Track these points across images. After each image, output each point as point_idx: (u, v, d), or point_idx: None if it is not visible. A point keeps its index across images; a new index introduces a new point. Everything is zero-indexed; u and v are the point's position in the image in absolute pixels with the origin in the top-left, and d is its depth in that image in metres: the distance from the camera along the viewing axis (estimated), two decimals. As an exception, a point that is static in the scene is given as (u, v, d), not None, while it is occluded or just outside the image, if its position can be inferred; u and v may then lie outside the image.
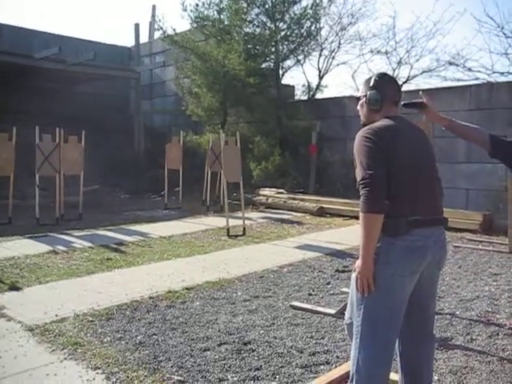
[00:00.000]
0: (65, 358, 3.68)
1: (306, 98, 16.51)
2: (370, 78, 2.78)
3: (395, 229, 2.49)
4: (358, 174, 2.51)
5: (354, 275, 2.62)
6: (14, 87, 15.22)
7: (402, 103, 3.08)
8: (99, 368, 3.51)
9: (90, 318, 4.54)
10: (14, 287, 5.48)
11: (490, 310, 4.88)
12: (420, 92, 3.20)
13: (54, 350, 3.82)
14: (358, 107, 2.84)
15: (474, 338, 4.15)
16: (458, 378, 3.44)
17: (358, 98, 2.83)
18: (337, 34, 16.72)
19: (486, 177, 10.79)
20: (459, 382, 3.38)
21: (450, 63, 15.58)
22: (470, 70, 15.27)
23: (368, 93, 2.73)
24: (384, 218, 2.46)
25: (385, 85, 2.74)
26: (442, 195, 2.74)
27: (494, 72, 14.96)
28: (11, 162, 9.65)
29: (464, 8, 23.03)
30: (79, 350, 3.81)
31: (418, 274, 2.57)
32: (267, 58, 15.70)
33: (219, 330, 4.26)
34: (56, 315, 4.60)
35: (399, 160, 2.53)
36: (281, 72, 15.84)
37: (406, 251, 2.49)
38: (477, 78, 14.92)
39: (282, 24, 15.05)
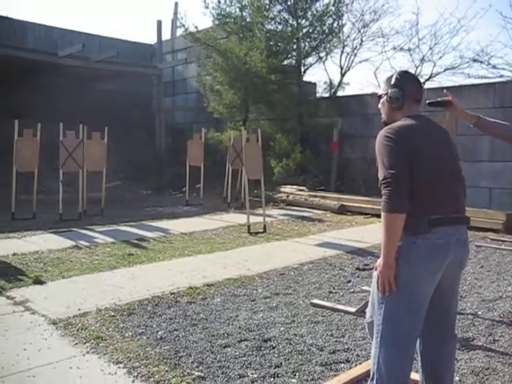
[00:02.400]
0: (87, 352, 3.73)
1: (327, 95, 16.46)
2: (391, 76, 2.76)
3: (417, 227, 2.48)
4: (380, 173, 2.51)
5: (375, 273, 2.61)
6: (37, 84, 15.41)
7: (427, 102, 3.08)
8: (121, 362, 3.55)
9: (112, 313, 4.59)
10: (38, 281, 5.56)
11: (513, 310, 4.83)
12: (444, 90, 3.16)
13: (76, 344, 3.87)
14: (380, 105, 2.83)
15: (497, 338, 4.11)
16: (480, 379, 3.41)
17: (380, 96, 2.82)
18: (359, 31, 16.63)
19: (510, 175, 10.65)
20: (481, 383, 3.35)
21: (474, 60, 15.40)
22: (494, 67, 15.07)
23: (389, 91, 2.71)
24: (406, 217, 2.44)
25: (406, 83, 2.71)
26: (465, 194, 2.71)
27: (520, 69, 14.75)
28: (35, 157, 9.79)
29: (489, 4, 22.76)
30: (101, 344, 3.86)
31: (440, 274, 2.55)
32: (289, 55, 15.67)
33: (239, 327, 4.28)
34: (79, 309, 4.66)
35: (420, 159, 2.51)
36: (302, 69, 15.80)
37: (428, 250, 2.48)
38: (501, 76, 14.73)
39: (304, 21, 15.00)
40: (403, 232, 2.46)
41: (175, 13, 20.50)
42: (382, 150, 2.53)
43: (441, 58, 17.94)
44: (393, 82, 2.72)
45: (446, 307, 2.71)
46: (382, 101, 2.80)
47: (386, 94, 2.74)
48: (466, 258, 2.71)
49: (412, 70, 16.13)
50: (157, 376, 3.36)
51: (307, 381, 3.35)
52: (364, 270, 6.37)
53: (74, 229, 8.87)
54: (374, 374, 2.58)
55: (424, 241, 2.48)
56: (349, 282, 5.84)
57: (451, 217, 2.56)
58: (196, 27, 14.90)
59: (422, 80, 16.81)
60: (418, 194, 2.49)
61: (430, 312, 2.62)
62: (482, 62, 15.32)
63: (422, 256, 2.48)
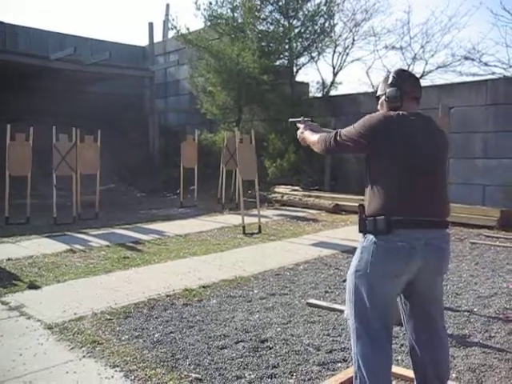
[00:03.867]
0: (83, 356, 3.71)
1: (320, 95, 16.47)
2: (388, 76, 2.75)
3: (376, 227, 2.50)
4: (346, 129, 2.71)
5: (348, 272, 2.66)
6: (29, 88, 15.35)
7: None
8: (117, 366, 3.54)
9: (108, 317, 4.58)
10: (33, 286, 5.54)
11: (508, 306, 4.84)
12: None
13: (72, 348, 3.86)
14: (379, 106, 2.82)
15: (493, 335, 4.12)
16: (477, 375, 3.42)
17: (378, 97, 2.81)
18: (351, 31, 16.67)
19: (504, 172, 10.69)
20: (478, 380, 3.36)
21: (466, 58, 15.47)
22: (486, 64, 15.14)
23: (387, 90, 2.70)
24: (369, 215, 2.54)
25: (404, 81, 2.70)
26: (445, 198, 2.66)
27: (511, 66, 14.82)
28: (28, 161, 9.75)
29: (480, 1, 22.81)
30: (98, 348, 3.84)
31: (407, 277, 2.54)
32: (281, 56, 15.68)
33: (236, 328, 4.28)
34: (74, 313, 4.65)
35: (397, 156, 2.51)
36: (295, 69, 15.82)
37: (386, 251, 2.48)
38: (493, 73, 14.81)
39: (295, 21, 15.02)
40: (365, 227, 2.56)
41: (167, 14, 20.49)
42: (360, 121, 2.66)
43: (432, 56, 18.05)
44: (390, 82, 2.70)
45: (428, 312, 2.68)
46: (380, 102, 2.79)
47: (384, 93, 2.72)
48: (444, 264, 2.65)
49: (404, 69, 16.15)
50: (154, 379, 3.35)
51: (304, 381, 3.35)
52: (359, 268, 6.37)
53: (69, 233, 8.84)
54: (355, 372, 2.61)
55: (384, 242, 2.48)
56: (344, 281, 5.79)
57: (420, 219, 2.49)
58: (188, 29, 14.89)
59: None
60: (385, 192, 2.51)
61: (411, 315, 2.68)
62: (473, 60, 15.39)
63: (381, 257, 2.49)
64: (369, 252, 2.52)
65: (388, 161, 2.52)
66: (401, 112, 2.61)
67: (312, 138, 3.00)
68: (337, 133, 2.75)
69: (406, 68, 16.18)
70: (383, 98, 2.74)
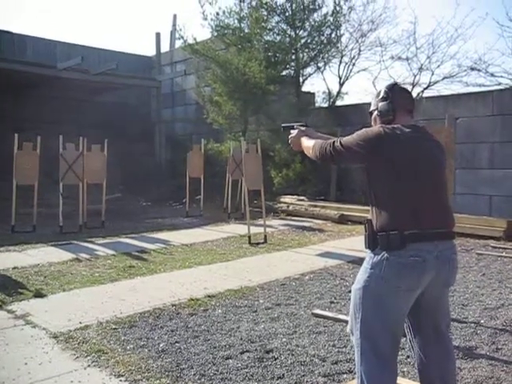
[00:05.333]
0: (88, 365, 3.71)
1: (326, 105, 16.49)
2: (379, 91, 2.75)
3: (389, 243, 2.45)
4: (344, 138, 2.65)
5: (353, 287, 2.65)
6: (37, 97, 15.46)
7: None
8: (122, 375, 3.54)
9: (113, 326, 4.58)
10: (39, 294, 5.55)
11: (515, 318, 4.80)
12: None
13: (77, 357, 3.86)
14: (372, 122, 2.80)
15: (500, 347, 4.09)
16: (484, 387, 3.39)
17: (371, 113, 2.79)
18: (357, 41, 16.70)
19: (511, 183, 10.65)
20: (485, 392, 3.34)
21: (472, 68, 15.44)
22: (492, 75, 15.11)
23: (379, 105, 2.70)
24: (380, 231, 2.49)
25: (395, 95, 2.68)
26: (450, 209, 2.64)
27: (517, 77, 14.79)
28: (35, 171, 9.80)
29: (486, 12, 22.87)
30: (103, 358, 3.84)
31: (419, 291, 2.51)
32: (287, 66, 15.72)
33: (241, 338, 4.26)
34: (80, 322, 4.65)
35: (398, 168, 2.49)
36: (301, 79, 15.87)
37: (400, 267, 2.43)
38: (499, 84, 14.76)
39: (302, 31, 15.08)
40: (377, 246, 2.49)
41: (174, 25, 20.60)
42: (360, 133, 2.60)
43: (439, 66, 18.00)
44: (382, 96, 2.70)
45: (435, 323, 2.65)
46: (373, 117, 2.78)
47: (376, 108, 2.72)
48: (453, 276, 2.64)
49: (410, 79, 16.21)
50: (159, 389, 3.34)
51: (310, 392, 3.33)
52: (365, 279, 6.35)
53: (75, 241, 8.86)
54: None
55: (397, 257, 2.43)
56: (350, 291, 5.79)
57: (429, 232, 2.46)
58: (195, 39, 14.95)
59: (420, 89, 16.88)
60: (395, 206, 2.48)
61: (418, 327, 2.65)
62: (479, 71, 15.36)
63: (395, 273, 2.44)
64: (381, 268, 2.47)
65: (392, 175, 2.50)
66: (396, 125, 2.58)
67: (307, 143, 2.94)
68: (335, 140, 2.69)
69: (411, 79, 16.24)
70: (376, 112, 2.73)
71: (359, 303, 2.56)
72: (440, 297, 2.65)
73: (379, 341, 2.50)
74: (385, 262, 2.45)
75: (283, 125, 3.29)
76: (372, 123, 2.80)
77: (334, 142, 2.68)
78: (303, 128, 3.11)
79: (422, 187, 2.50)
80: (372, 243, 2.54)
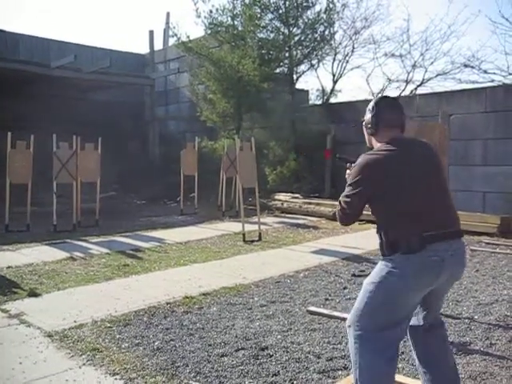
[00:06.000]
0: (83, 364, 3.70)
1: (320, 102, 16.51)
2: (370, 103, 2.84)
3: (409, 246, 2.52)
4: (345, 190, 2.73)
5: (365, 281, 2.69)
6: (30, 95, 15.40)
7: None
8: (117, 374, 3.53)
9: (108, 324, 4.57)
10: (33, 293, 5.53)
11: (509, 314, 4.83)
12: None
13: (72, 356, 3.85)
14: (365, 133, 2.92)
15: (494, 342, 4.11)
16: (478, 383, 3.41)
17: (362, 122, 2.89)
18: (350, 38, 16.71)
19: (504, 179, 10.70)
20: (479, 387, 3.36)
21: (465, 65, 15.48)
22: (485, 72, 15.15)
23: (366, 117, 2.81)
24: (397, 235, 2.57)
25: (381, 109, 2.77)
26: (454, 208, 2.75)
27: (510, 74, 14.83)
28: (29, 169, 9.76)
29: (478, 9, 22.93)
30: (98, 356, 3.84)
31: (434, 286, 2.61)
32: (281, 63, 15.72)
33: (236, 336, 4.27)
34: (74, 321, 4.64)
35: (400, 182, 2.58)
36: (295, 77, 15.87)
37: (422, 267, 2.52)
38: (492, 80, 14.80)
39: (295, 29, 15.08)
40: (396, 250, 2.56)
41: (167, 22, 20.56)
42: (353, 174, 2.71)
43: (432, 63, 18.01)
44: (368, 108, 2.81)
45: (437, 314, 2.87)
46: (363, 127, 2.89)
47: (363, 120, 2.84)
48: (461, 271, 2.77)
49: (404, 76, 16.24)
50: (154, 387, 3.35)
51: (305, 389, 3.34)
52: (360, 276, 6.37)
53: (69, 240, 8.84)
54: (356, 380, 2.61)
55: (418, 258, 2.51)
56: (345, 288, 5.84)
57: (444, 232, 2.59)
58: (188, 36, 14.92)
59: (413, 86, 16.90)
60: (407, 213, 2.58)
61: (424, 318, 2.79)
62: (473, 67, 15.40)
63: (415, 272, 2.52)
64: (401, 268, 2.54)
65: (400, 192, 2.58)
66: (380, 146, 2.73)
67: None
68: (339, 203, 2.78)
69: (405, 76, 16.28)
70: (364, 124, 2.86)
71: (369, 297, 2.61)
72: (448, 287, 2.81)
73: (388, 335, 2.56)
74: (406, 262, 2.53)
75: (338, 155, 3.38)
76: (365, 133, 2.93)
77: (340, 203, 2.78)
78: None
79: (422, 193, 2.60)
80: (390, 250, 2.60)
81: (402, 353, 3.83)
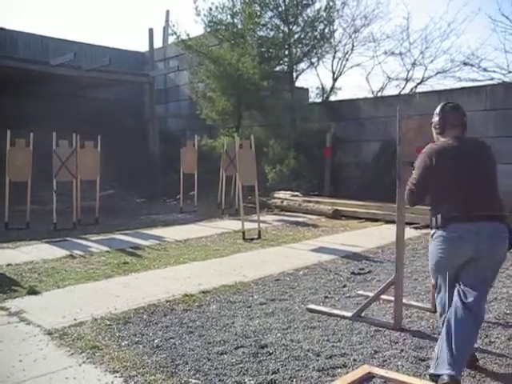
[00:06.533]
0: (83, 362, 3.71)
1: (320, 100, 16.53)
2: (436, 108, 3.66)
3: (436, 223, 3.45)
4: (412, 176, 3.62)
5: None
6: (29, 93, 15.38)
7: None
8: (117, 371, 3.54)
9: (108, 322, 4.58)
10: (33, 291, 5.53)
11: (508, 312, 4.84)
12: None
13: (72, 354, 3.86)
14: (433, 131, 3.70)
15: (493, 340, 4.12)
16: (477, 381, 3.41)
17: (431, 124, 3.70)
18: (350, 36, 16.76)
19: (503, 179, 10.67)
20: (478, 385, 3.36)
21: (465, 63, 15.53)
22: (485, 70, 15.20)
23: (434, 120, 3.64)
24: (433, 213, 3.47)
25: (445, 112, 3.59)
26: (495, 197, 3.45)
27: (510, 72, 14.86)
28: (28, 167, 9.77)
29: (478, 8, 22.98)
30: (97, 354, 3.84)
31: (463, 258, 3.36)
32: (281, 61, 15.71)
33: (236, 334, 4.28)
34: (74, 319, 4.64)
35: (446, 170, 3.40)
36: (294, 75, 15.86)
37: (442, 240, 3.41)
38: (492, 78, 14.86)
39: (295, 27, 15.06)
40: (432, 225, 3.49)
41: (167, 20, 20.53)
42: (417, 163, 3.58)
43: (432, 61, 18.11)
44: (436, 113, 3.63)
45: (482, 277, 3.43)
46: (432, 127, 3.69)
47: (432, 122, 3.65)
48: (496, 251, 3.38)
49: (403, 74, 16.27)
50: (154, 385, 3.35)
51: (304, 386, 3.35)
52: (359, 274, 6.38)
53: (69, 238, 8.84)
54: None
55: (441, 232, 3.42)
56: (344, 286, 5.85)
57: (469, 215, 3.30)
58: (188, 35, 14.89)
59: (413, 84, 16.91)
60: (440, 196, 3.46)
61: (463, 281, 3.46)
62: (472, 66, 15.45)
63: (439, 242, 3.43)
64: (434, 239, 3.49)
65: (441, 176, 3.42)
66: (443, 139, 3.55)
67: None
68: (408, 184, 3.65)
69: (405, 74, 16.30)
70: (432, 125, 3.68)
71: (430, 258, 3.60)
72: (489, 265, 3.41)
73: (439, 281, 3.58)
74: (435, 234, 3.47)
75: (405, 160, 4.05)
76: (433, 132, 3.71)
77: (408, 184, 3.65)
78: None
79: (462, 181, 3.38)
80: (431, 225, 3.52)
81: (402, 350, 3.85)
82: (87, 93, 17.41)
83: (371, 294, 4.90)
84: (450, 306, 3.45)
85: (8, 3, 35.47)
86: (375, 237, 9.04)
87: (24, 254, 7.60)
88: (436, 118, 3.61)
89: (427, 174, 3.46)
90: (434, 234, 3.51)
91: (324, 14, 14.91)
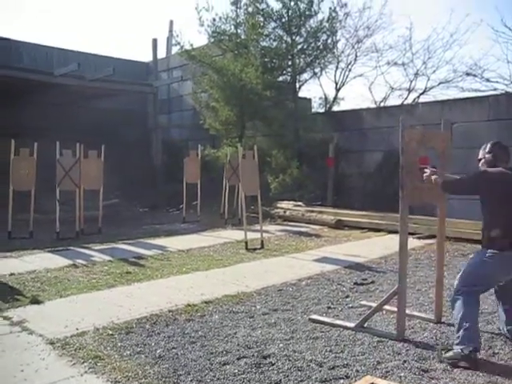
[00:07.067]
0: (85, 372, 3.70)
1: (322, 110, 16.55)
2: (486, 145, 4.15)
3: (501, 245, 3.87)
4: (466, 177, 4.14)
5: (472, 259, 4.18)
6: (34, 103, 15.47)
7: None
8: (119, 382, 3.53)
9: (110, 332, 4.57)
10: (35, 301, 5.53)
11: None
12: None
13: (74, 364, 3.85)
14: (480, 165, 4.16)
15: (497, 351, 4.10)
16: (481, 392, 3.39)
17: (479, 160, 4.18)
18: (353, 47, 16.80)
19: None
20: (481, 397, 3.33)
21: (468, 74, 15.55)
22: (487, 80, 15.21)
23: (486, 156, 4.10)
24: (495, 237, 3.92)
25: (496, 150, 4.08)
26: None
27: (513, 82, 14.87)
28: (32, 176, 9.80)
29: (480, 19, 22.96)
30: (99, 364, 3.83)
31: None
32: (284, 72, 15.76)
33: (238, 344, 4.26)
34: (76, 329, 4.64)
35: (504, 196, 3.87)
36: (297, 85, 15.91)
37: (506, 260, 3.92)
38: (495, 89, 14.86)
39: (298, 37, 15.12)
40: (489, 246, 3.94)
41: (170, 31, 20.63)
42: (472, 173, 4.08)
43: (434, 71, 18.09)
44: (487, 150, 4.10)
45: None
46: (480, 163, 4.15)
47: (484, 157, 4.11)
48: None
49: (406, 85, 16.30)
50: (155, 395, 3.34)
51: (307, 397, 3.33)
52: (362, 284, 6.36)
53: (72, 247, 8.85)
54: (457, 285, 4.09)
55: (507, 253, 3.86)
56: (347, 297, 5.83)
57: None
58: (191, 45, 14.98)
59: (416, 94, 16.93)
60: (504, 219, 3.87)
61: (504, 290, 4.29)
62: (475, 76, 15.46)
63: (501, 261, 3.88)
64: (493, 258, 3.89)
65: (502, 200, 3.88)
66: (500, 169, 3.96)
67: (439, 179, 4.16)
68: (456, 179, 4.26)
69: (408, 84, 16.32)
70: (483, 160, 4.12)
71: (474, 269, 4.04)
72: None
73: (475, 289, 4.03)
74: (497, 256, 3.88)
75: (421, 166, 4.34)
76: (480, 166, 4.15)
77: (456, 178, 4.25)
78: (434, 170, 4.27)
79: None
80: (489, 245, 3.95)
81: (405, 361, 3.83)
82: (91, 103, 17.49)
83: (374, 305, 4.88)
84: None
85: (8, 3, 35.69)
86: (378, 247, 9.02)
87: (27, 263, 7.60)
88: (488, 155, 4.09)
89: (475, 186, 4.07)
90: (490, 253, 3.92)
91: (327, 25, 14.97)
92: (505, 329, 4.31)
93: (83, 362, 3.86)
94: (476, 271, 4.00)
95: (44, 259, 7.87)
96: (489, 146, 4.12)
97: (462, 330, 3.86)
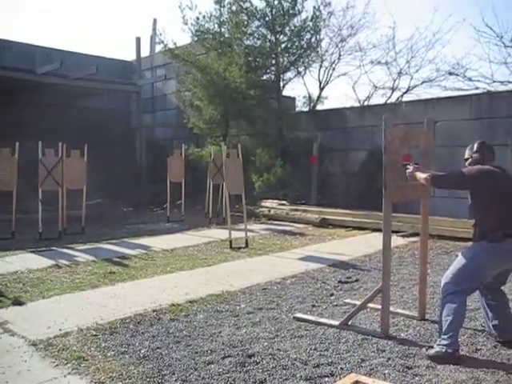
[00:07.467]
0: (68, 373, 3.67)
1: (306, 109, 16.58)
2: (473, 145, 4.23)
3: (494, 237, 3.92)
4: (457, 171, 4.14)
5: (462, 253, 4.12)
6: (16, 102, 15.30)
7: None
8: (103, 382, 3.50)
9: (94, 332, 4.54)
10: (18, 302, 5.47)
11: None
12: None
13: (57, 365, 3.81)
14: (467, 164, 4.23)
15: (479, 347, 4.14)
16: (464, 388, 3.42)
17: (466, 159, 4.26)
18: (337, 46, 16.86)
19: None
20: (464, 393, 3.36)
21: (450, 73, 15.69)
22: (470, 79, 15.35)
23: (473, 155, 4.18)
24: (487, 229, 3.98)
25: (484, 149, 4.17)
26: None
27: (494, 81, 15.05)
28: (14, 176, 9.69)
29: (463, 18, 23.17)
30: (83, 365, 3.80)
31: (505, 267, 4.08)
32: (268, 70, 15.76)
33: (223, 343, 4.25)
34: (59, 329, 4.59)
35: (495, 192, 3.91)
36: (281, 84, 15.92)
37: (499, 252, 3.94)
38: (477, 88, 15.00)
39: (282, 36, 15.12)
40: (482, 238, 3.99)
41: (154, 29, 20.54)
42: (465, 169, 4.10)
43: (417, 71, 18.22)
44: (475, 150, 4.19)
45: (499, 287, 4.27)
46: (468, 162, 4.22)
47: (471, 157, 4.20)
48: None
49: (390, 83, 16.39)
50: (140, 395, 3.32)
51: (292, 396, 3.33)
52: (346, 282, 6.39)
53: (54, 248, 8.77)
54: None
55: (498, 245, 3.90)
56: (331, 295, 5.85)
57: None
58: (175, 43, 14.91)
59: (399, 93, 17.04)
60: (495, 214, 3.93)
61: (491, 285, 4.19)
62: (457, 75, 15.60)
63: (493, 253, 3.92)
64: (487, 250, 3.95)
65: (493, 197, 3.93)
66: (489, 167, 4.04)
67: (421, 175, 4.21)
68: (448, 173, 4.23)
69: (391, 83, 16.43)
70: (470, 160, 4.21)
71: (463, 264, 4.02)
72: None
73: (465, 286, 4.02)
74: (490, 246, 3.93)
75: (403, 163, 4.46)
76: (467, 165, 4.21)
77: (448, 172, 4.21)
78: (416, 166, 4.37)
79: (507, 202, 3.94)
80: (480, 237, 4.02)
81: (389, 359, 3.85)
82: (74, 102, 17.35)
83: (358, 303, 4.90)
84: None
85: (8, 3, 35.33)
86: (362, 245, 9.07)
87: (9, 263, 7.51)
88: (476, 154, 4.17)
89: (469, 187, 4.11)
90: (483, 246, 3.99)
91: (310, 24, 14.99)
92: (490, 324, 4.30)
93: (66, 363, 3.83)
94: (468, 267, 3.98)
95: (26, 260, 7.79)
96: (476, 145, 4.20)
97: (447, 329, 3.89)
